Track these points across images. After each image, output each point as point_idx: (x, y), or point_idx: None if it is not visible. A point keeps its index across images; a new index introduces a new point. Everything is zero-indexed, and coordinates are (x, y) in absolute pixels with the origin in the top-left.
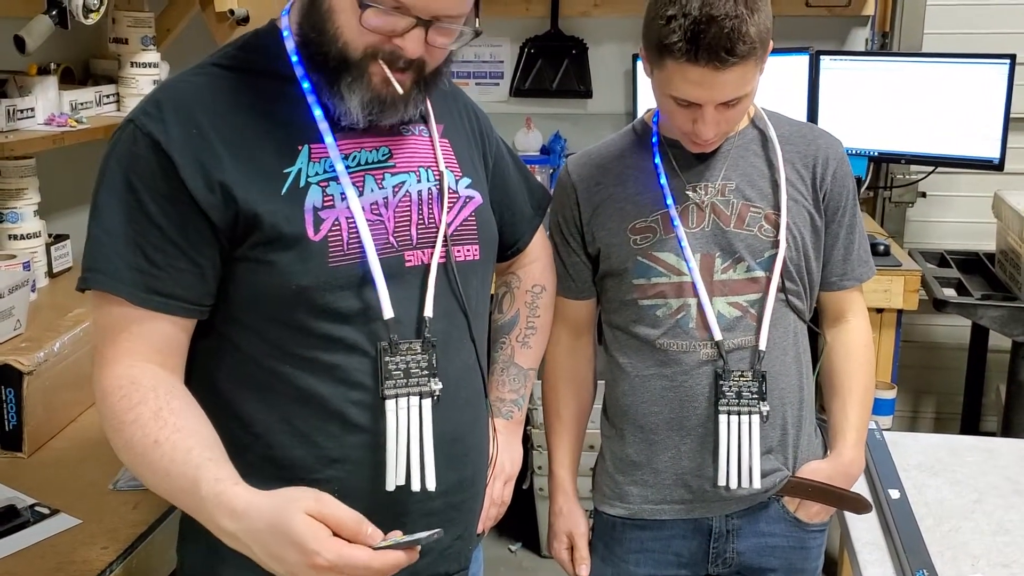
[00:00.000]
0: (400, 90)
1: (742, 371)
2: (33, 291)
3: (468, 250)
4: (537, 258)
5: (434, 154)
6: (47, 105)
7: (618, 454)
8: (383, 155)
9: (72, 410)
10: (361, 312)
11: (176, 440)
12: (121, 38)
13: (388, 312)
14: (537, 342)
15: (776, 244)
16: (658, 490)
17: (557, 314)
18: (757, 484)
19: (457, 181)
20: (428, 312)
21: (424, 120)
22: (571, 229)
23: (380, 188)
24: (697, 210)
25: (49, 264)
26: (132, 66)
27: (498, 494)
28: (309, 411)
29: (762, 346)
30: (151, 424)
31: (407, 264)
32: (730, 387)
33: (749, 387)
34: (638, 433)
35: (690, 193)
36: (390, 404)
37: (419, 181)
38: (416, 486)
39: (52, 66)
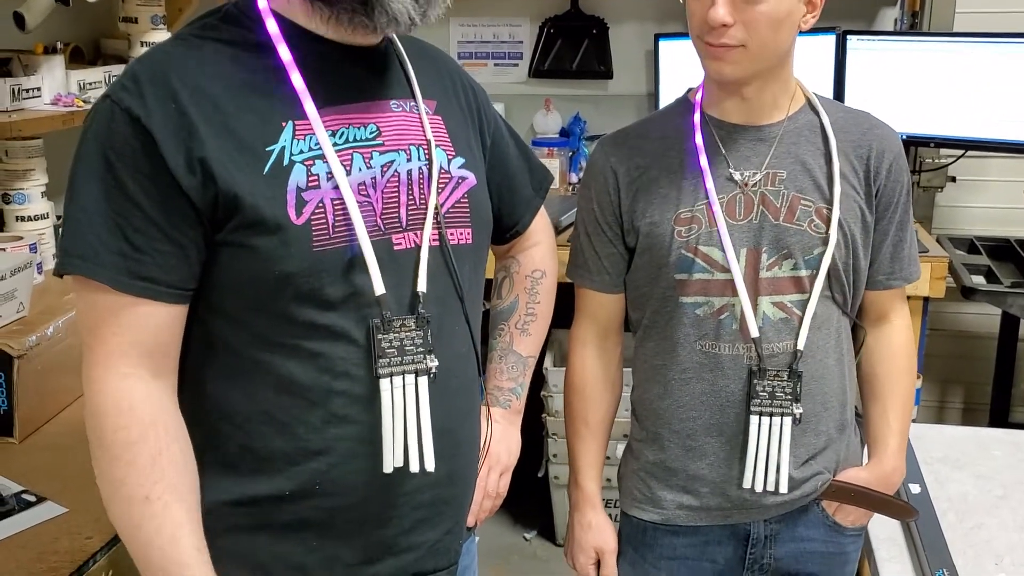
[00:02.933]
0: None
1: (777, 370)
2: (39, 273)
3: (460, 233)
4: (538, 242)
5: (424, 131)
6: (54, 85)
7: (651, 458)
8: (371, 132)
9: (67, 395)
10: (348, 297)
11: (168, 510)
12: (131, 17)
13: (380, 288)
14: (537, 329)
15: (825, 241)
16: (695, 496)
17: (584, 312)
18: (784, 489)
19: (450, 161)
20: (422, 287)
21: (414, 95)
22: (608, 217)
23: (368, 168)
24: (745, 200)
25: (57, 245)
26: (142, 46)
27: (492, 486)
28: (290, 401)
29: (800, 346)
30: (147, 471)
31: (395, 248)
32: (764, 387)
33: (784, 387)
34: (673, 438)
35: (735, 174)
36: (384, 384)
37: (409, 160)
38: (415, 467)
39: (59, 45)
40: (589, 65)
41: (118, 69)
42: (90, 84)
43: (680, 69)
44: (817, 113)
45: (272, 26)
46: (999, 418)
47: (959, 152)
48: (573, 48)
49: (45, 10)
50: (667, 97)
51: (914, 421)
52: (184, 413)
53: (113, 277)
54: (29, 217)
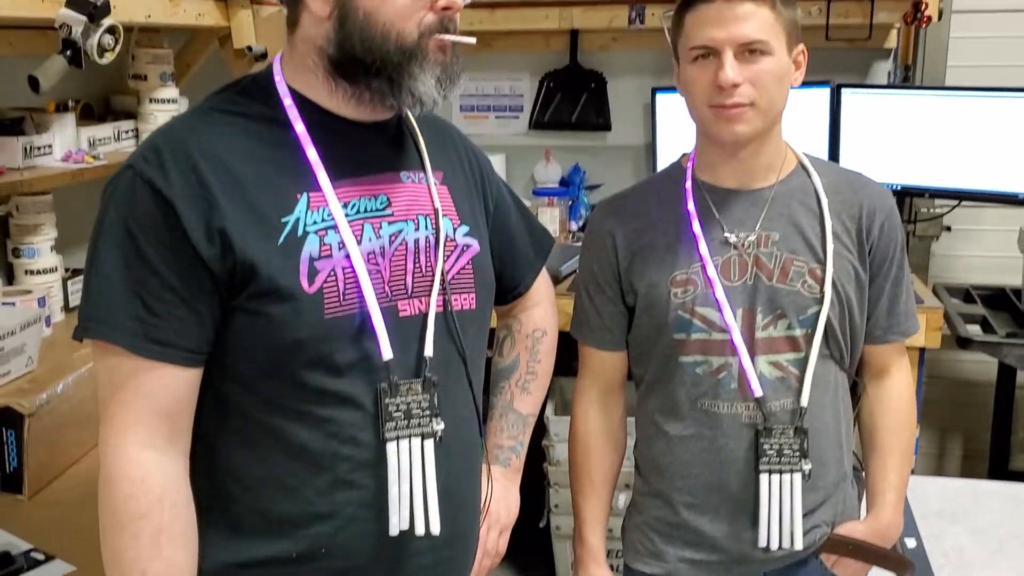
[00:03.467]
0: (470, 40)
1: (783, 428)
2: (48, 326)
3: (465, 298)
4: (539, 302)
5: (432, 202)
6: (65, 141)
7: (654, 513)
8: (382, 203)
9: (76, 450)
10: (357, 363)
11: None
12: (140, 75)
13: (388, 354)
14: (537, 387)
15: (820, 300)
16: (698, 551)
17: (588, 369)
18: (799, 545)
19: (455, 229)
20: (428, 352)
21: (422, 166)
22: (608, 278)
23: (377, 237)
24: (739, 261)
25: (65, 298)
26: (151, 102)
27: (492, 544)
28: (299, 465)
29: (803, 403)
30: (148, 547)
31: (401, 314)
32: (771, 445)
33: (791, 445)
34: (676, 494)
35: (730, 236)
36: (391, 447)
37: (416, 229)
38: (420, 530)
39: (71, 103)
40: (588, 117)
41: (128, 125)
42: (100, 140)
43: (676, 121)
44: (809, 175)
45: (288, 102)
46: (998, 466)
47: (953, 202)
48: (572, 101)
49: (59, 72)
50: (664, 148)
51: (913, 471)
52: (194, 472)
53: (131, 341)
54: (38, 271)
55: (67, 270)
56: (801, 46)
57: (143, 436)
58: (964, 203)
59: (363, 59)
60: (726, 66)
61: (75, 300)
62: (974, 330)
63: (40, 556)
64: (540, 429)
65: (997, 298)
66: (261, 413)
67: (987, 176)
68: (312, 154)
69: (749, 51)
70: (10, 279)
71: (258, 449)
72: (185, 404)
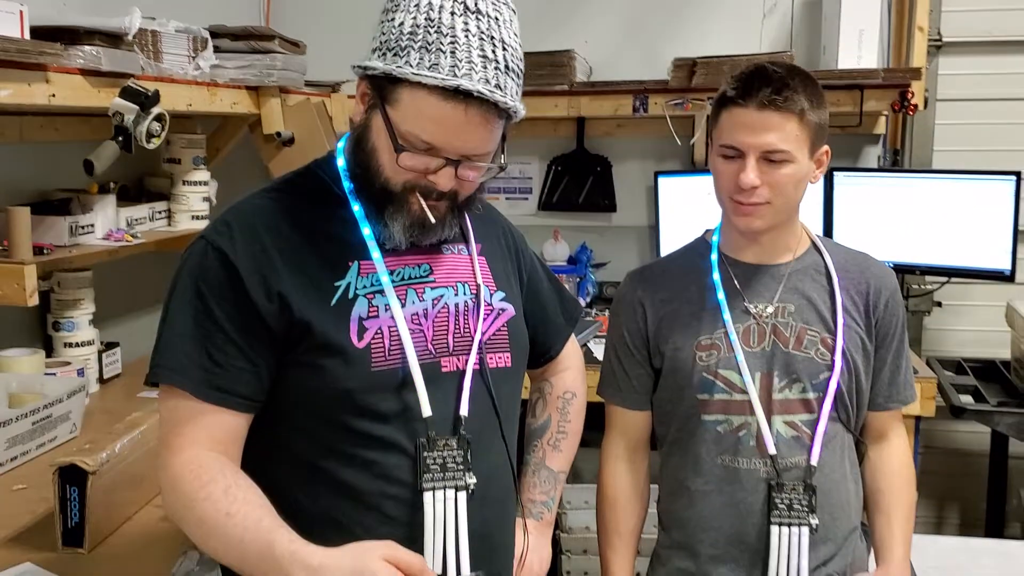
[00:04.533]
0: (432, 219)
1: (794, 484)
2: (86, 396)
3: (500, 357)
4: (569, 366)
5: (472, 270)
6: (106, 221)
7: (677, 564)
8: (424, 271)
9: (129, 508)
10: (400, 412)
11: (247, 511)
12: (175, 158)
13: (427, 411)
14: (568, 446)
15: (831, 367)
16: None
17: (616, 428)
18: None
19: (492, 295)
20: (464, 411)
21: (465, 240)
22: (636, 342)
23: (421, 300)
24: (758, 330)
25: (100, 371)
26: (184, 184)
27: None
28: (349, 504)
29: (813, 461)
30: (223, 499)
31: (443, 370)
32: (782, 499)
33: (800, 500)
34: (698, 546)
35: (750, 307)
36: (428, 496)
37: (456, 294)
38: (452, 575)
39: (111, 185)
40: (594, 199)
41: (161, 206)
42: (137, 220)
43: (678, 204)
44: (821, 254)
45: (347, 184)
46: (994, 533)
47: (943, 279)
48: (579, 184)
49: (111, 157)
50: (667, 228)
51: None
52: None
53: (196, 387)
54: (77, 343)
55: (103, 344)
56: (825, 147)
57: (201, 447)
58: (953, 279)
59: (362, 184)
60: (748, 169)
61: (109, 372)
62: (967, 400)
63: None
64: None
65: (988, 370)
66: (314, 455)
67: (973, 254)
68: (367, 230)
69: (771, 159)
70: (49, 351)
71: (312, 487)
72: (238, 440)
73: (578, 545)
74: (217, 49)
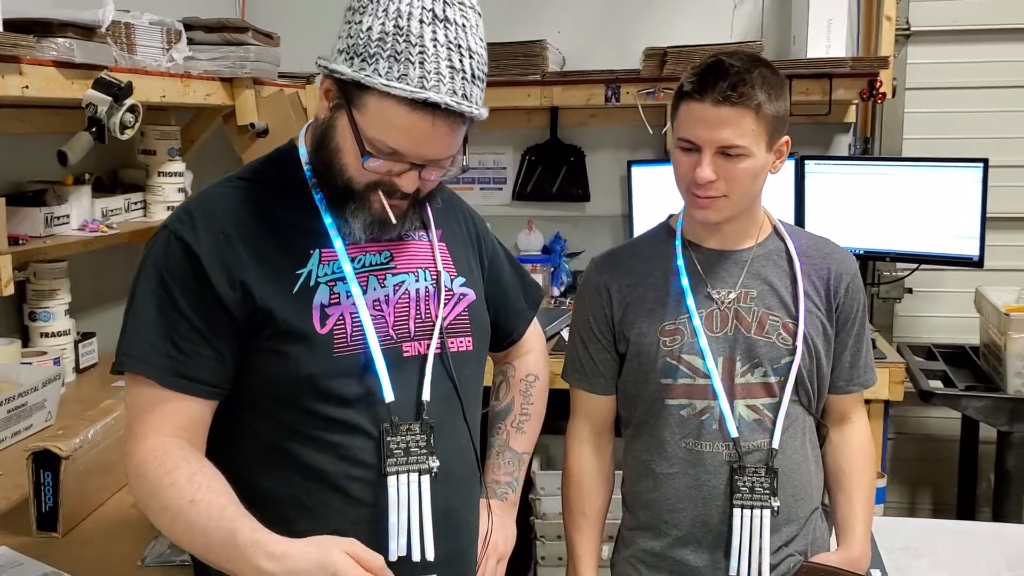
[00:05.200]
0: (394, 220)
1: (756, 467)
2: (62, 385)
3: (462, 341)
4: (531, 349)
5: (432, 256)
6: (81, 212)
7: (641, 546)
8: (385, 258)
9: (102, 494)
10: (363, 397)
11: (211, 499)
12: (150, 150)
13: (389, 396)
14: (531, 427)
15: (792, 352)
16: None
17: (580, 412)
18: (767, 575)
19: (452, 280)
20: (426, 396)
21: (425, 227)
22: (601, 327)
23: (382, 287)
24: (720, 315)
25: (77, 360)
26: (159, 175)
27: (491, 571)
28: (314, 486)
29: (775, 445)
30: (187, 486)
31: (405, 354)
32: (744, 482)
33: (762, 483)
34: (662, 527)
35: (713, 293)
36: (391, 480)
37: (417, 280)
38: (416, 556)
39: (86, 176)
40: (568, 189)
41: (137, 196)
42: (112, 211)
43: (651, 192)
44: (783, 239)
45: (309, 174)
46: (965, 517)
47: (913, 266)
48: (553, 174)
49: (85, 148)
50: (640, 217)
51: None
52: None
53: (161, 375)
54: (53, 333)
55: (79, 334)
56: (785, 138)
57: (165, 435)
58: (923, 266)
59: (323, 179)
60: (704, 164)
61: (85, 361)
62: (936, 385)
63: None
64: (527, 484)
65: (958, 355)
66: (279, 439)
67: (943, 240)
68: (328, 219)
69: (728, 153)
70: (25, 341)
71: (278, 471)
72: (202, 427)
73: (552, 531)
74: (191, 41)
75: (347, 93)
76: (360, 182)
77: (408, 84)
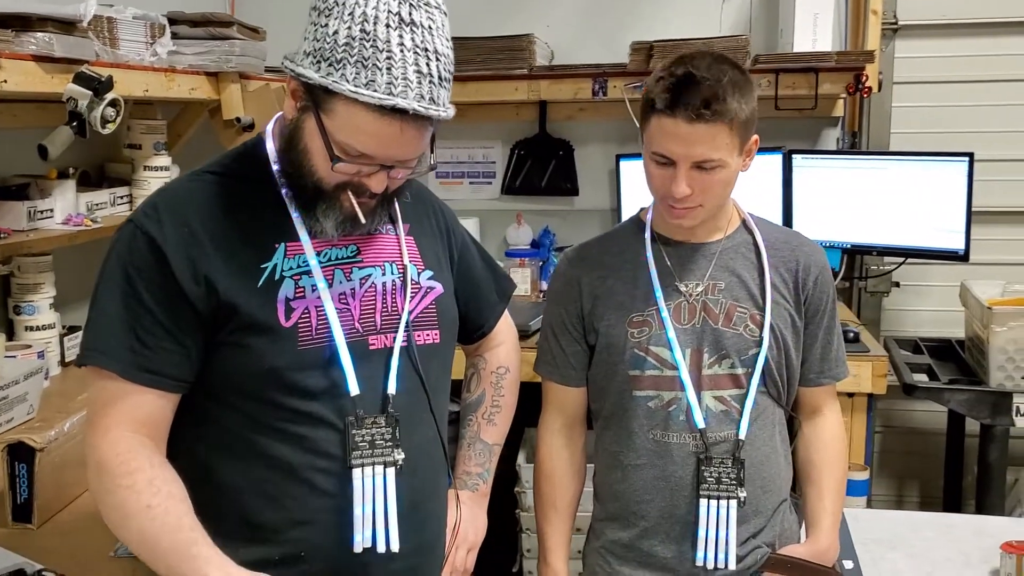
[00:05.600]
0: (363, 219)
1: (722, 458)
2: (46, 379)
3: (429, 334)
4: (502, 342)
5: (399, 250)
6: (65, 206)
7: (611, 536)
8: (352, 252)
9: (78, 487)
10: (327, 389)
11: (168, 506)
12: (135, 144)
13: (355, 389)
14: (502, 419)
15: (759, 343)
16: (649, 570)
17: (552, 405)
18: (732, 565)
19: (419, 273)
20: (391, 389)
21: (392, 221)
22: (572, 319)
23: (348, 280)
24: (688, 306)
25: (62, 353)
26: (145, 169)
27: (460, 561)
28: (279, 477)
29: (742, 436)
30: (146, 491)
31: (371, 347)
32: (711, 473)
33: (728, 473)
34: (631, 518)
35: (680, 287)
36: (356, 472)
37: (384, 274)
38: (381, 548)
39: (71, 170)
40: (557, 183)
41: (123, 191)
42: (97, 205)
43: (640, 186)
44: (751, 232)
45: (276, 168)
46: (951, 511)
47: (900, 259)
48: (542, 168)
49: (66, 142)
50: (628, 210)
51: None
52: (184, 485)
53: (124, 369)
54: (37, 327)
55: (64, 327)
56: (754, 137)
57: (127, 429)
58: (910, 260)
59: (291, 178)
60: (680, 180)
61: (71, 355)
62: (920, 378)
63: (50, 575)
64: (512, 477)
65: (943, 349)
66: (245, 431)
67: (930, 235)
68: (294, 213)
69: (702, 167)
70: (10, 335)
71: (242, 463)
72: (164, 421)
73: None
74: (176, 35)
75: (315, 96)
76: (329, 183)
77: (376, 91)
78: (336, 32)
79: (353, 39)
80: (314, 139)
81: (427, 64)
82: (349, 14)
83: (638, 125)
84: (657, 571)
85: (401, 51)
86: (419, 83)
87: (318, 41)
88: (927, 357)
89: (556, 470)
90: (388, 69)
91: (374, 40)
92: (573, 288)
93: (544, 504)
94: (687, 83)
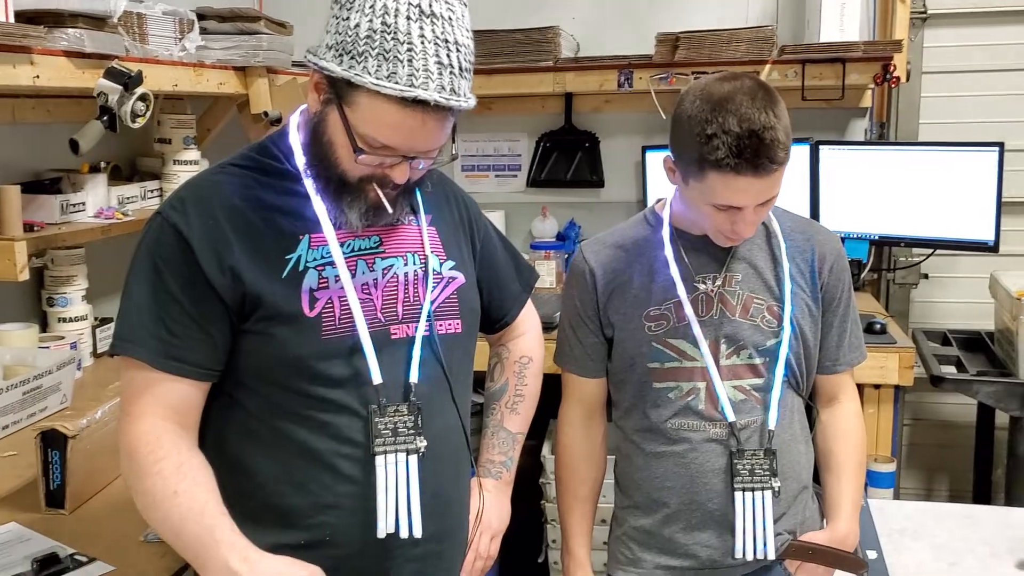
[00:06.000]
0: (390, 209)
1: (754, 450)
2: (79, 369)
3: (450, 324)
4: (525, 331)
5: (421, 241)
6: (97, 200)
7: (633, 524)
8: (374, 243)
9: (110, 473)
10: (351, 378)
11: (194, 493)
12: (165, 138)
13: (377, 378)
14: (525, 408)
15: (777, 334)
16: (671, 557)
17: (571, 395)
18: (771, 555)
19: (441, 263)
20: (414, 378)
21: (414, 211)
22: (589, 312)
23: (371, 271)
24: (705, 300)
25: (94, 345)
26: (175, 163)
27: (484, 548)
28: (305, 463)
29: (771, 426)
30: (173, 477)
31: (393, 336)
32: (744, 465)
33: (761, 465)
34: (652, 506)
35: (699, 285)
36: (379, 460)
37: (406, 264)
38: (404, 534)
39: (102, 164)
40: (582, 175)
41: (153, 184)
42: (128, 199)
43: (666, 178)
44: (767, 222)
45: (300, 160)
46: (981, 504)
47: (929, 251)
48: (567, 160)
49: (96, 136)
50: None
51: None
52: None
53: (153, 358)
54: (70, 319)
55: (96, 319)
56: None
57: (158, 417)
58: (938, 251)
59: (317, 172)
60: (749, 223)
61: (103, 347)
62: (948, 370)
63: (83, 559)
64: (537, 468)
65: (973, 341)
66: (270, 418)
67: (958, 226)
68: (318, 206)
69: (764, 203)
70: (44, 326)
71: (268, 449)
72: (195, 409)
73: None
74: (204, 31)
75: (337, 89)
76: (354, 175)
77: (398, 83)
78: (358, 25)
79: (374, 32)
80: (337, 132)
81: (448, 55)
82: (370, 7)
83: (663, 115)
84: (679, 557)
85: (422, 43)
86: (440, 74)
87: (340, 34)
88: (955, 349)
89: (576, 459)
90: (409, 61)
91: (395, 32)
92: (588, 281)
93: (565, 493)
94: (753, 143)
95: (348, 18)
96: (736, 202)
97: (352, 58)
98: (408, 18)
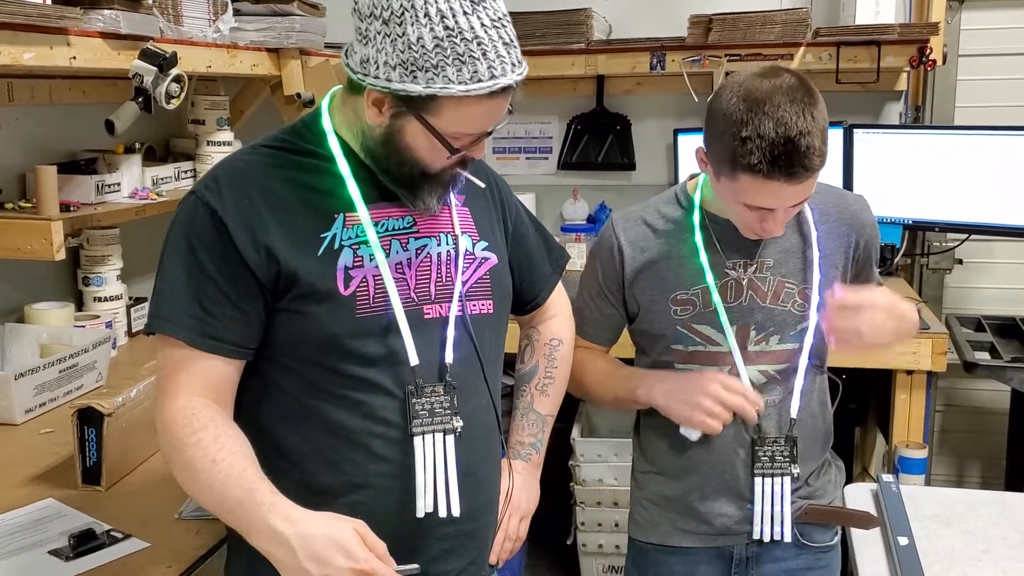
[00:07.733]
0: (470, 179)
1: (775, 437)
2: (114, 348)
3: (483, 304)
4: (556, 313)
5: (453, 221)
6: (131, 180)
7: (653, 489)
8: (408, 223)
9: (145, 451)
10: (385, 357)
11: (232, 460)
12: (199, 119)
13: (414, 359)
14: (555, 391)
15: (807, 318)
16: (687, 521)
17: (582, 343)
18: (788, 537)
19: (474, 244)
20: (448, 358)
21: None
22: (611, 286)
23: (404, 250)
24: (735, 286)
25: (129, 324)
26: (208, 144)
27: (513, 529)
28: (338, 442)
29: (793, 414)
30: (211, 447)
31: (425, 316)
32: (764, 452)
33: (782, 451)
34: (671, 473)
35: (730, 271)
36: (418, 440)
37: (439, 244)
38: (443, 513)
39: (137, 145)
40: (613, 158)
41: (187, 165)
42: (162, 179)
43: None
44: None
45: (334, 143)
46: (1014, 490)
47: (963, 236)
48: (599, 142)
49: (131, 117)
50: None
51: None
52: None
53: (189, 336)
54: (105, 298)
55: (131, 298)
56: None
57: (194, 393)
58: (973, 236)
59: (389, 170)
60: (779, 223)
61: (137, 326)
62: (982, 356)
63: (119, 535)
64: (567, 450)
65: (1008, 327)
66: (305, 396)
67: (994, 210)
68: (352, 186)
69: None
70: (80, 306)
71: (302, 427)
72: (230, 386)
73: (592, 497)
74: (237, 12)
75: (412, 103)
76: (438, 167)
77: (482, 80)
78: (420, 38)
79: (441, 40)
80: (418, 137)
81: (506, 32)
82: (425, 16)
83: (695, 98)
84: (695, 523)
85: (486, 32)
86: (508, 53)
87: (403, 52)
88: (989, 335)
89: (587, 359)
90: (483, 55)
91: (460, 32)
92: (615, 256)
93: (583, 375)
94: (788, 150)
95: (405, 33)
96: (768, 204)
97: (427, 72)
98: (465, 13)
